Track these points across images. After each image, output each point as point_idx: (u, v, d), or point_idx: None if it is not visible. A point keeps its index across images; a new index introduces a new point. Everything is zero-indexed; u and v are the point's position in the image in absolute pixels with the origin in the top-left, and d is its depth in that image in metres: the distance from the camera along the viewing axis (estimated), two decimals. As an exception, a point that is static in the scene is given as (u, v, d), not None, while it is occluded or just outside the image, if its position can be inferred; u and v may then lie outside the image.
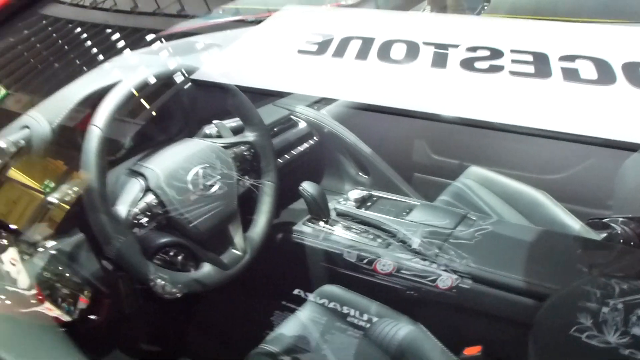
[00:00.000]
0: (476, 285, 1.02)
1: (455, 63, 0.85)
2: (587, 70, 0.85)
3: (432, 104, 0.81)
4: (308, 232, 1.23)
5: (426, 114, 0.77)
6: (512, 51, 0.89)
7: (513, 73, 0.85)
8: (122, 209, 0.97)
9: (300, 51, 0.91)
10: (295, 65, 0.91)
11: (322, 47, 0.90)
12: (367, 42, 0.89)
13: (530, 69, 0.86)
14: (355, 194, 1.34)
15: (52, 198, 1.01)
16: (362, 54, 0.88)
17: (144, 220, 0.99)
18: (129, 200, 0.98)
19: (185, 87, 1.20)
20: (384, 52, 0.87)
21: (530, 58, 0.88)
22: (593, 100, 0.81)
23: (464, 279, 1.03)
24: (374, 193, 1.36)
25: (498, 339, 0.97)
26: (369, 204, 1.32)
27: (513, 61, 0.87)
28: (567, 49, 0.89)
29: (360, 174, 1.53)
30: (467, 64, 0.86)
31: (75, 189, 1.01)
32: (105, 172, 0.93)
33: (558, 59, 0.87)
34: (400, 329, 0.95)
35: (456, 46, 0.88)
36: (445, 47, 0.88)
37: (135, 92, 1.01)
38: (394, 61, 0.86)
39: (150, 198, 0.99)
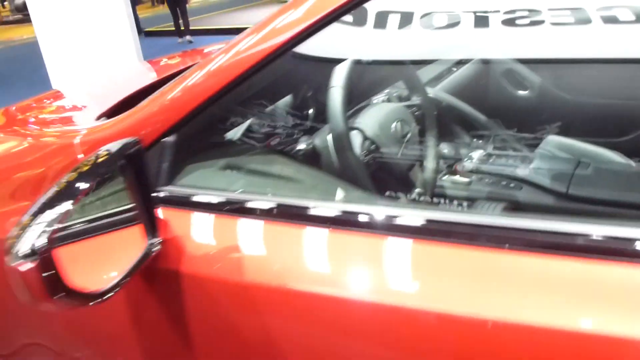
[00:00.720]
0: (613, 210, 1.09)
1: (497, 22, 0.94)
2: (625, 15, 0.91)
3: (481, 52, 0.89)
4: (447, 185, 1.39)
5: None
6: (550, 9, 0.96)
7: (554, 24, 0.92)
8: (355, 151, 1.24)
9: (341, 21, 0.99)
10: (339, 35, 1.00)
11: (360, 20, 1.00)
12: (406, 16, 0.99)
13: (571, 19, 0.93)
14: (477, 154, 1.45)
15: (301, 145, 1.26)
16: (404, 24, 0.98)
17: (369, 160, 1.25)
18: (356, 145, 1.24)
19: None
20: (426, 22, 0.97)
21: (568, 12, 0.94)
22: (635, 33, 0.87)
23: (598, 205, 1.14)
24: (492, 152, 1.45)
25: None
26: (491, 160, 1.43)
27: (552, 16, 0.94)
28: (602, 3, 0.95)
29: (475, 140, 1.62)
30: (509, 22, 0.94)
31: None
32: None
33: (595, 10, 0.93)
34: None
35: (495, 11, 0.96)
36: (484, 12, 0.96)
37: (354, 65, 1.20)
38: (437, 27, 0.96)
39: (368, 144, 1.25)
